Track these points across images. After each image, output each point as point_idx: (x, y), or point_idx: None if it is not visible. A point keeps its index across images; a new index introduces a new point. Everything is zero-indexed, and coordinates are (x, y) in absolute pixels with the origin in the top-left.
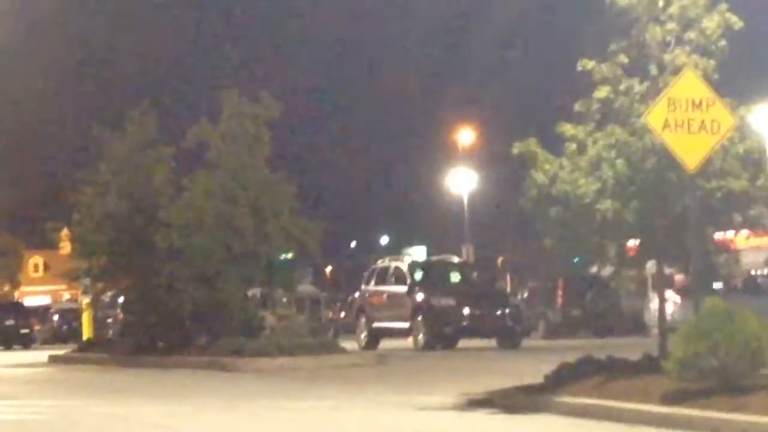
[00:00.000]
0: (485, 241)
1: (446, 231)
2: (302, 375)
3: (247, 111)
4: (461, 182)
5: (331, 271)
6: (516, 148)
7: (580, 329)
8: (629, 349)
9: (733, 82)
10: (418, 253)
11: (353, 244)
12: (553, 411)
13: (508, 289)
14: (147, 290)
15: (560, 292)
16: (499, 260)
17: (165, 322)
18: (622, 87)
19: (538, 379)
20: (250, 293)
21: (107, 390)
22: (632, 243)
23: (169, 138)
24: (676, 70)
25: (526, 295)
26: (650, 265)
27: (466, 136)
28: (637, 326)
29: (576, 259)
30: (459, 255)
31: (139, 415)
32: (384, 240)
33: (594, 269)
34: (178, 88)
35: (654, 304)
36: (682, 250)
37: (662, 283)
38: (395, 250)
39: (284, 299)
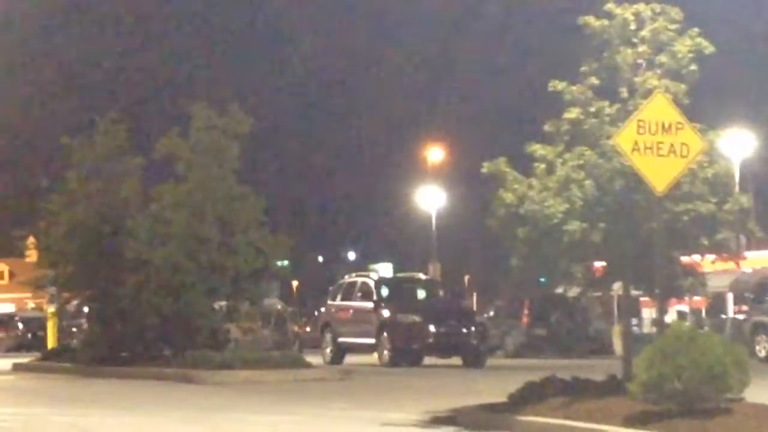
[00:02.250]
0: (452, 259)
1: (413, 248)
2: (267, 389)
3: (217, 124)
4: (429, 200)
5: (298, 286)
6: (485, 168)
7: (545, 349)
8: (594, 370)
9: (703, 106)
10: (384, 269)
11: (320, 258)
12: (516, 430)
13: (475, 308)
14: (112, 300)
15: (526, 312)
16: (466, 278)
17: (130, 332)
18: (592, 109)
19: (501, 397)
20: (216, 306)
21: (71, 399)
22: (598, 264)
23: (138, 149)
24: (647, 94)
25: (492, 313)
26: (617, 287)
27: (435, 153)
28: (602, 347)
29: (542, 279)
30: (426, 272)
31: (102, 426)
32: (351, 256)
33: (560, 290)
34: (149, 99)
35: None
36: (648, 272)
37: (628, 305)
38: (362, 265)
39: (250, 313)
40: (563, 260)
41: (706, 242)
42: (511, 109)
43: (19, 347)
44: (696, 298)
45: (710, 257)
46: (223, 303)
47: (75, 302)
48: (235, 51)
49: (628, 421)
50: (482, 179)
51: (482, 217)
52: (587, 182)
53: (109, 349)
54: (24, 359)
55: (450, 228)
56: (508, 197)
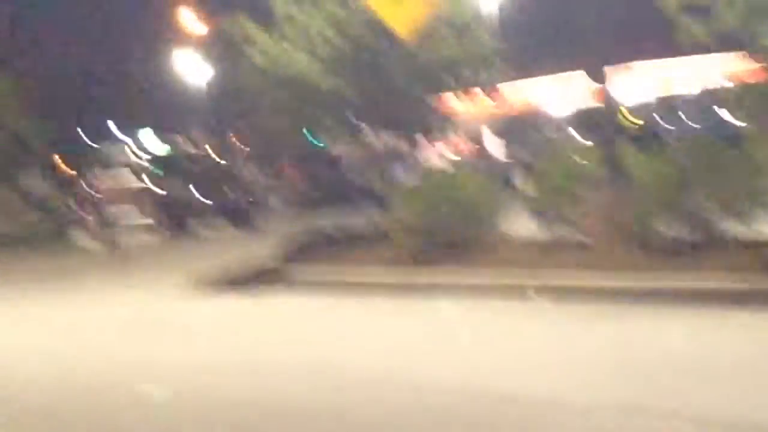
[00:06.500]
0: (220, 124)
1: (177, 116)
2: (37, 276)
3: None
4: (190, 68)
5: (63, 163)
6: (226, 25)
7: (316, 204)
8: (362, 219)
9: None
10: (147, 136)
11: (84, 135)
12: (285, 285)
13: (244, 172)
14: None
15: (295, 170)
16: (234, 143)
17: None
18: None
19: (272, 255)
20: None
21: None
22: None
23: None
24: None
25: (262, 175)
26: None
27: (190, 16)
28: (369, 197)
29: (315, 141)
30: (190, 138)
31: None
32: (113, 127)
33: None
34: None
35: None
36: (401, 117)
37: (388, 151)
38: (126, 134)
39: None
40: (318, 114)
41: (452, 82)
42: None
43: None
44: (459, 143)
45: (462, 96)
46: None
47: None
48: None
49: (392, 264)
50: (241, 41)
51: (238, 82)
52: (335, 37)
53: None
54: None
55: (217, 94)
56: (261, 59)
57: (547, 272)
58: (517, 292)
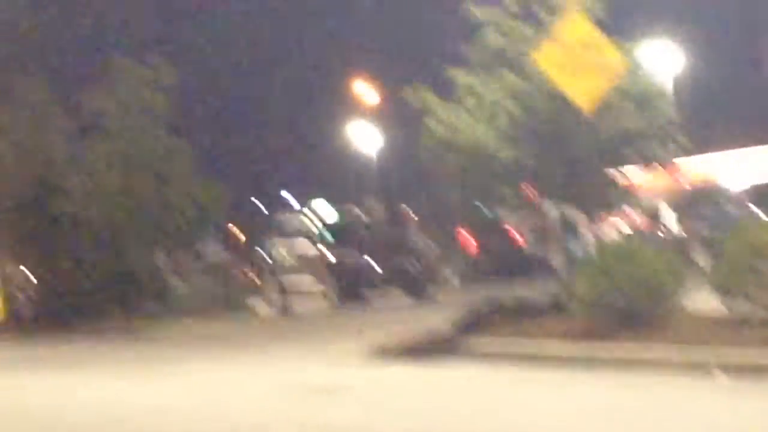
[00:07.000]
0: (391, 194)
1: (350, 185)
2: (213, 338)
3: (143, 78)
4: (365, 138)
5: (241, 233)
6: (408, 98)
7: (490, 275)
8: (537, 291)
9: (618, 19)
10: (320, 206)
11: (260, 204)
12: (462, 356)
13: (418, 241)
14: (53, 262)
15: (469, 240)
16: (407, 213)
17: (74, 292)
18: (512, 32)
19: (448, 326)
20: (158, 259)
21: (14, 363)
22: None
23: (63, 106)
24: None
25: (435, 245)
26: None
27: (364, 88)
28: (544, 268)
29: (487, 212)
30: (364, 208)
31: (39, 385)
32: (288, 196)
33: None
34: (68, 54)
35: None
36: (579, 189)
37: (564, 223)
38: (300, 203)
39: (189, 264)
40: (496, 185)
41: (634, 156)
42: (429, 33)
43: None
44: (635, 217)
45: (645, 173)
46: (165, 256)
47: (21, 267)
48: (156, 7)
49: (570, 339)
50: (413, 110)
51: (415, 150)
52: (514, 108)
53: (56, 311)
54: None
55: (387, 163)
56: (438, 129)
57: (730, 349)
58: (699, 369)
